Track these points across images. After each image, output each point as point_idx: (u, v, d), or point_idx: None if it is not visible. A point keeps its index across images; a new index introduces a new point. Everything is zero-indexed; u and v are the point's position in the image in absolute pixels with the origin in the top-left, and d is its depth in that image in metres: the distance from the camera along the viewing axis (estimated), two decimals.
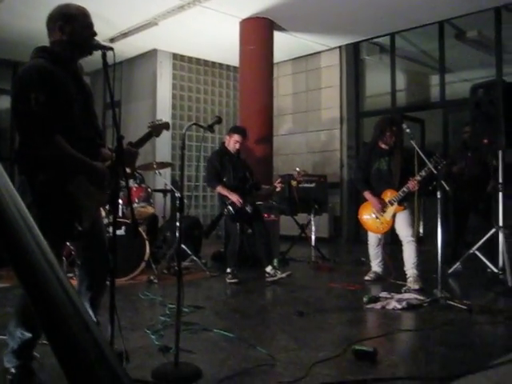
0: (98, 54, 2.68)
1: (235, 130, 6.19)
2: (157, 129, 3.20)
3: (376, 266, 5.77)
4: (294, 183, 6.87)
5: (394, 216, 5.42)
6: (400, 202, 5.36)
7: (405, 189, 5.24)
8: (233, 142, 6.03)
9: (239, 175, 6.03)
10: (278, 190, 6.24)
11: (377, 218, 5.50)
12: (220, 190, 5.91)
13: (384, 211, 5.43)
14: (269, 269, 5.83)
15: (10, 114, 10.03)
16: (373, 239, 5.74)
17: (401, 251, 5.40)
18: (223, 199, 5.93)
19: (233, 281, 5.72)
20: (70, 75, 2.73)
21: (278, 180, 6.27)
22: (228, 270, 5.85)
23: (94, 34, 2.77)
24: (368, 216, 5.61)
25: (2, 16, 8.13)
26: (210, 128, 3.38)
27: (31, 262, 0.76)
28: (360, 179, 5.71)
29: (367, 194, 5.57)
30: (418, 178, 5.09)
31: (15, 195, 0.80)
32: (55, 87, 2.59)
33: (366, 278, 5.72)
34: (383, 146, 5.56)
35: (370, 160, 5.63)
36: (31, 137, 2.56)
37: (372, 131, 5.83)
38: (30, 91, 2.50)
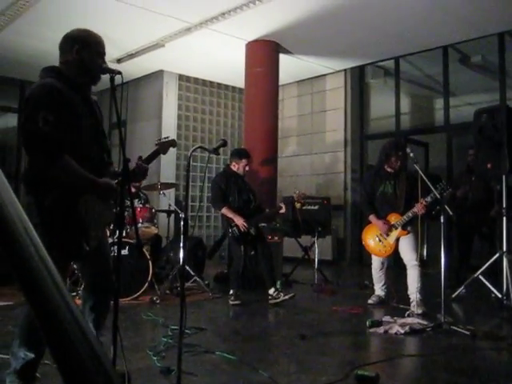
0: (105, 75, 2.72)
1: (240, 155, 6.16)
2: (163, 146, 3.23)
3: (379, 289, 5.74)
4: (297, 205, 6.87)
5: (397, 240, 5.41)
6: (404, 226, 5.35)
7: (410, 213, 5.24)
8: (242, 167, 6.06)
9: (244, 197, 6.05)
10: (282, 211, 6.23)
11: (380, 241, 5.49)
12: (225, 211, 5.91)
13: (388, 234, 5.42)
14: (271, 291, 5.81)
15: (17, 132, 10.15)
16: (376, 263, 5.72)
17: (404, 275, 5.38)
18: (228, 221, 5.93)
19: (235, 302, 5.70)
20: (78, 95, 2.76)
21: (281, 203, 6.29)
22: (231, 292, 5.83)
23: (104, 62, 2.82)
24: (371, 239, 5.60)
25: (10, 36, 8.25)
26: (215, 151, 3.40)
27: (36, 279, 0.77)
28: (365, 202, 5.70)
29: (372, 218, 5.55)
30: (424, 202, 5.07)
31: (20, 210, 0.81)
32: (64, 106, 2.61)
33: (369, 301, 5.68)
34: (389, 169, 5.56)
35: (376, 183, 5.62)
36: (40, 156, 2.57)
37: (377, 155, 5.84)
38: (39, 111, 2.52)
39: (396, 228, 5.38)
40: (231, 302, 5.72)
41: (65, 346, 0.74)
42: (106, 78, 2.68)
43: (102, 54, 2.82)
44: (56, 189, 2.59)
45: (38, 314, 0.76)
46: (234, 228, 5.83)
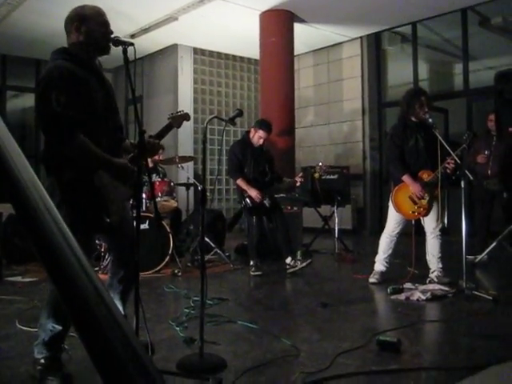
0: (118, 50, 2.70)
1: (261, 125, 6.02)
2: (177, 120, 3.22)
3: (381, 263, 5.31)
4: (316, 175, 6.83)
5: (430, 202, 5.05)
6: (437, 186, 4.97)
7: (442, 169, 4.88)
8: (257, 137, 5.96)
9: (259, 168, 6.01)
10: (297, 184, 6.19)
11: (414, 201, 5.06)
12: (240, 182, 5.89)
13: (423, 196, 5.02)
14: (288, 260, 5.85)
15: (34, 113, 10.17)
16: (393, 226, 5.24)
17: (420, 242, 5.23)
18: (241, 192, 5.93)
19: (256, 273, 5.75)
20: (90, 73, 2.77)
21: (300, 174, 6.21)
22: (251, 263, 5.88)
23: (110, 32, 2.81)
24: (404, 200, 5.10)
25: (24, 15, 8.24)
26: (231, 121, 3.39)
27: (60, 257, 0.77)
28: (396, 159, 5.14)
29: (407, 178, 5.04)
30: (456, 159, 4.72)
31: (42, 190, 0.82)
32: (76, 86, 2.64)
33: (371, 280, 5.26)
34: (415, 119, 5.13)
35: (405, 136, 5.14)
36: (54, 137, 2.62)
37: (399, 109, 5.40)
38: (51, 92, 2.56)
39: (431, 186, 5.00)
40: (252, 273, 5.76)
41: (90, 324, 0.74)
42: (120, 53, 2.66)
43: (104, 23, 2.82)
44: (73, 166, 2.63)
45: (62, 291, 0.76)
46: (247, 199, 5.84)
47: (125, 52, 2.61)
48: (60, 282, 0.76)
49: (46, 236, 0.77)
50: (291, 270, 5.76)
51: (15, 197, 0.77)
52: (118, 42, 2.68)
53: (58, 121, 2.56)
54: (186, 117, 3.30)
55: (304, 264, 5.76)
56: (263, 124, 6.06)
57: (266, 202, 5.86)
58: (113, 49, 2.81)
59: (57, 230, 0.78)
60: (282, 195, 6.67)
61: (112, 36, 2.77)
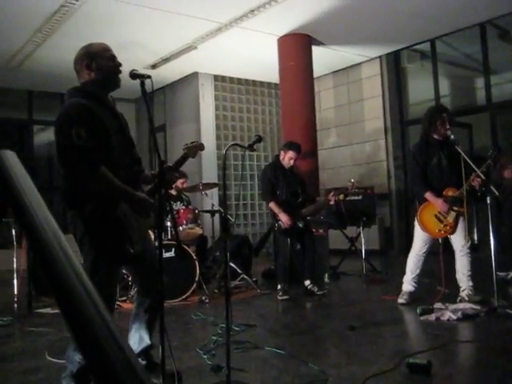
0: (138, 81, 2.75)
1: (291, 146, 6.11)
2: (191, 150, 3.28)
3: (409, 283, 5.22)
4: (341, 196, 6.79)
5: (456, 219, 4.96)
6: (462, 203, 4.88)
7: (467, 186, 4.79)
8: (287, 159, 6.02)
9: (291, 190, 6.03)
10: (331, 203, 6.18)
11: (439, 220, 4.98)
12: (272, 206, 5.92)
13: (448, 213, 4.94)
14: (307, 282, 5.91)
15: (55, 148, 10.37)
16: (420, 245, 5.15)
17: (448, 260, 5.12)
18: (274, 215, 5.97)
19: (284, 297, 5.71)
20: (104, 109, 2.85)
21: (332, 193, 6.16)
22: (278, 287, 5.86)
23: (119, 64, 2.91)
24: (430, 219, 5.03)
25: (48, 52, 8.48)
26: (251, 147, 3.41)
27: (69, 290, 0.78)
28: (418, 178, 5.07)
29: (429, 196, 4.97)
30: (481, 175, 4.62)
31: (53, 223, 0.83)
32: (94, 122, 2.71)
33: (400, 301, 5.17)
34: (437, 137, 5.06)
35: (428, 155, 5.08)
36: (77, 170, 2.67)
37: (421, 127, 5.35)
38: (71, 127, 2.63)
39: (456, 203, 4.90)
40: (279, 298, 5.73)
41: (100, 360, 0.75)
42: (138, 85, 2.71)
43: (111, 57, 2.91)
44: (93, 199, 2.68)
45: (72, 327, 0.77)
46: (280, 221, 5.85)
47: (142, 85, 2.66)
48: (67, 313, 0.77)
49: (55, 266, 0.78)
50: (309, 292, 5.85)
51: (29, 234, 0.78)
52: (135, 75, 2.73)
53: (80, 154, 2.62)
54: (200, 147, 3.34)
55: (320, 293, 5.83)
56: (293, 145, 6.14)
57: (300, 224, 5.87)
58: (133, 81, 2.86)
59: (66, 260, 0.79)
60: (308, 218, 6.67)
61: (131, 70, 2.82)
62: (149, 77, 2.70)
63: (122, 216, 2.72)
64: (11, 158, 0.80)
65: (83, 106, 2.72)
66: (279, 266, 6.02)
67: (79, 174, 2.68)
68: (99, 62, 2.85)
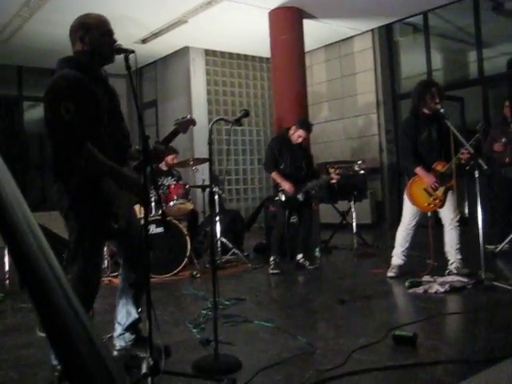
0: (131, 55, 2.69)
1: (302, 124, 6.14)
2: (182, 125, 3.26)
3: (398, 257, 5.24)
4: (332, 171, 6.78)
5: (445, 193, 5.00)
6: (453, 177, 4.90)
7: (456, 160, 4.80)
8: (296, 136, 6.04)
9: (296, 163, 6.04)
10: (333, 181, 6.14)
11: (429, 194, 5.01)
12: (274, 175, 5.98)
13: (437, 187, 4.97)
14: (299, 257, 5.98)
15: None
16: (409, 219, 5.16)
17: (438, 234, 5.17)
18: (276, 186, 6.05)
19: (275, 271, 5.75)
20: (96, 81, 2.81)
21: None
22: (271, 259, 5.89)
23: (114, 41, 2.84)
24: (419, 193, 5.05)
25: (37, 26, 8.36)
26: (237, 122, 3.40)
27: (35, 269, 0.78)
28: (409, 152, 5.08)
29: (420, 171, 5.00)
30: (470, 149, 4.62)
31: (25, 205, 0.82)
32: (84, 95, 2.68)
33: (389, 274, 5.22)
34: (427, 111, 5.05)
35: (418, 128, 5.09)
36: (63, 145, 2.66)
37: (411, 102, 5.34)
38: (60, 101, 2.60)
39: (445, 178, 4.93)
40: (270, 271, 5.78)
41: (70, 354, 0.75)
42: (131, 59, 2.65)
43: (107, 32, 2.85)
44: (79, 173, 2.67)
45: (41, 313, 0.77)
46: (281, 193, 5.89)
47: (126, 60, 2.62)
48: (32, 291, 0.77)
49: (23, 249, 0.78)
50: (300, 266, 5.94)
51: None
52: (118, 50, 2.70)
53: (67, 129, 2.60)
54: (192, 122, 3.33)
55: (311, 267, 5.90)
56: (302, 122, 6.21)
57: (300, 197, 5.90)
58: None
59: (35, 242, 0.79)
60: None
61: (115, 44, 2.79)
62: (132, 51, 2.66)
63: (108, 191, 2.72)
64: None
65: (74, 78, 2.68)
66: (273, 238, 6.06)
67: (65, 150, 2.66)
68: (94, 36, 2.80)
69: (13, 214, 0.78)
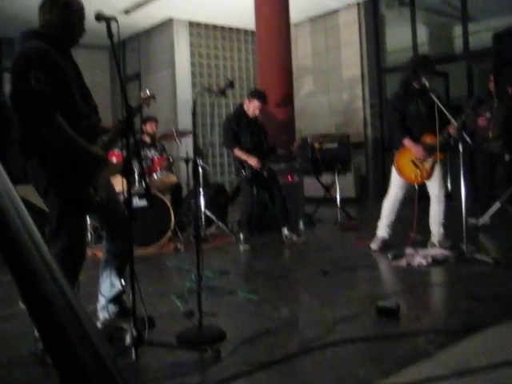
0: (115, 27, 2.60)
1: (255, 95, 5.88)
2: (145, 102, 3.17)
3: (383, 229, 5.28)
4: (316, 144, 6.80)
5: (433, 166, 5.00)
6: (441, 149, 4.88)
7: (445, 134, 4.79)
8: (252, 108, 5.81)
9: (256, 139, 5.89)
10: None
11: (416, 166, 5.00)
12: (237, 152, 5.74)
13: (425, 159, 4.97)
14: (285, 231, 5.88)
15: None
16: (396, 192, 5.18)
17: (425, 208, 5.21)
18: (240, 162, 5.76)
19: (246, 248, 5.62)
20: (63, 55, 2.78)
21: (296, 145, 6.12)
22: (241, 237, 5.75)
23: (84, 28, 2.87)
24: (406, 164, 5.06)
25: None
26: (222, 93, 3.36)
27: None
28: (397, 124, 5.07)
29: (408, 142, 5.00)
30: (454, 122, 4.64)
31: (9, 185, 0.80)
32: (53, 67, 2.64)
33: (373, 246, 5.23)
34: (416, 85, 5.04)
35: (406, 101, 5.09)
36: (32, 116, 2.60)
37: (404, 71, 5.35)
38: (30, 70, 2.54)
39: (433, 150, 4.90)
40: (242, 249, 5.64)
41: (54, 332, 0.73)
42: (114, 30, 2.58)
43: (81, 16, 2.84)
44: (54, 149, 2.64)
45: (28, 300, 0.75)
46: (245, 169, 5.71)
47: (108, 28, 2.56)
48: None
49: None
50: (288, 242, 5.82)
51: None
52: (99, 16, 2.58)
53: (36, 99, 2.55)
54: (152, 97, 3.22)
55: (301, 241, 5.81)
56: (257, 94, 5.91)
57: (265, 173, 5.81)
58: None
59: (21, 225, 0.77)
60: (281, 165, 6.65)
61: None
62: (114, 19, 2.59)
63: (84, 163, 2.70)
64: None
65: (42, 49, 2.64)
66: (242, 214, 5.91)
67: (33, 120, 2.61)
68: (70, 16, 2.77)
69: None
